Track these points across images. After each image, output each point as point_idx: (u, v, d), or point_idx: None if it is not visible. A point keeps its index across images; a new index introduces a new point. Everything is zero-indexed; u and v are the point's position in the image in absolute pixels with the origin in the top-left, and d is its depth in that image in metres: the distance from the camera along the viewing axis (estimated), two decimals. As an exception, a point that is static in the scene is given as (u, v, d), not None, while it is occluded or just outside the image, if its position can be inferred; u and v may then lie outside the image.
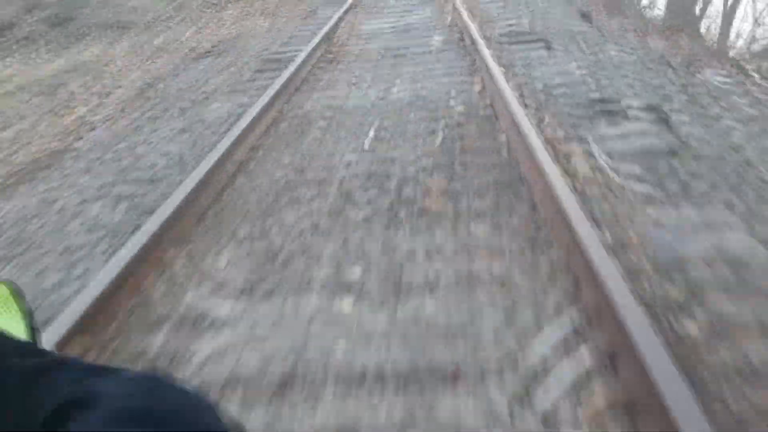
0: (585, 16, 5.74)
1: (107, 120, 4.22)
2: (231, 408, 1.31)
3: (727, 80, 3.73)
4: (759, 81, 3.96)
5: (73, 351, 1.46)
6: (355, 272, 1.80)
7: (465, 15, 5.32)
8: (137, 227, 2.13)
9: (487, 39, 4.45)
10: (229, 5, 9.19)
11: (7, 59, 7.24)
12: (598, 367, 1.35)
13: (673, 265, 1.65)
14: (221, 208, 2.36)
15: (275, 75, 4.18)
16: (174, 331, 1.63)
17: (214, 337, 1.59)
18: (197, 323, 1.65)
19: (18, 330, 0.47)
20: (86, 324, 1.58)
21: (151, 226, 2.09)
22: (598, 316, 1.51)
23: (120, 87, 5.26)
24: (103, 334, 1.62)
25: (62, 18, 8.01)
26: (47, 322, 1.52)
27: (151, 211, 2.22)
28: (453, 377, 1.36)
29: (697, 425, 1.09)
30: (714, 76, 3.78)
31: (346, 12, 6.64)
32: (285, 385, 1.39)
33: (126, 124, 3.99)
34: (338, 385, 1.36)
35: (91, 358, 1.50)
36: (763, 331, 1.39)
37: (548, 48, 4.19)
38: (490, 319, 1.53)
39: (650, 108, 2.83)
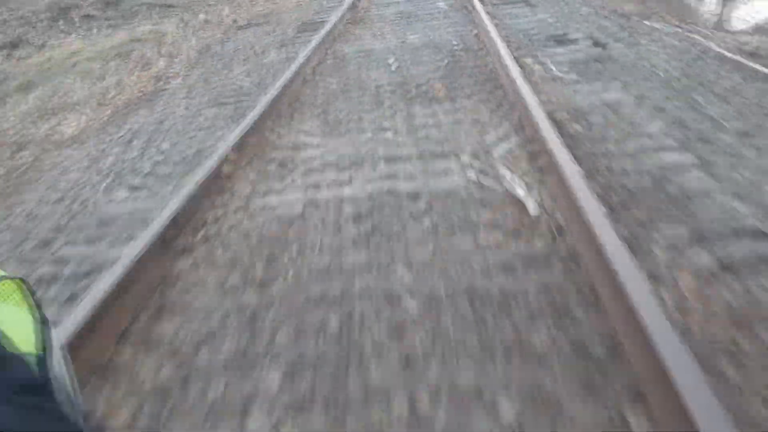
0: None
1: (183, 71, 5.44)
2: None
3: (670, 28, 4.84)
4: (698, 29, 5.07)
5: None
6: (390, 125, 3.00)
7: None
8: (246, 116, 3.34)
9: (483, 3, 5.59)
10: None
11: (72, 34, 8.49)
12: (522, 148, 2.53)
13: (578, 110, 2.82)
14: (300, 103, 3.57)
15: (314, 34, 5.35)
16: (289, 150, 2.84)
17: (308, 151, 2.80)
18: (298, 147, 2.86)
19: (27, 330, 0.46)
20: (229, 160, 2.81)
21: (257, 112, 3.29)
22: (528, 132, 2.68)
23: (182, 51, 6.47)
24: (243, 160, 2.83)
25: (112, 3, 9.26)
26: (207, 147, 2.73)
27: (253, 107, 3.41)
28: (442, 154, 2.55)
29: (568, 160, 2.26)
30: (660, 25, 4.89)
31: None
32: (353, 165, 2.59)
33: (201, 72, 5.20)
34: (386, 162, 2.56)
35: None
36: (624, 132, 2.55)
37: (530, 6, 5.34)
38: (468, 136, 2.71)
39: (593, 39, 3.99)
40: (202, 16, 8.44)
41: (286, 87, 3.73)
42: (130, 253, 1.94)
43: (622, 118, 2.68)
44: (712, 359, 1.33)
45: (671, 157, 2.28)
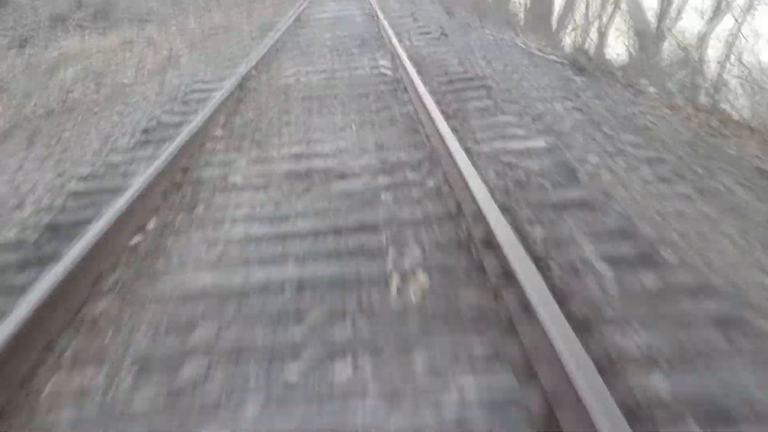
0: (447, 12, 10.23)
1: (185, 53, 8.20)
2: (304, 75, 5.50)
3: (496, 33, 8.16)
4: (518, 34, 8.44)
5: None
6: (329, 47, 6.02)
7: (375, 5, 9.68)
8: (242, 65, 6.19)
9: (386, 15, 8.77)
10: (213, 9, 13.30)
11: (70, 39, 10.97)
12: (393, 63, 5.58)
13: (421, 56, 5.92)
14: (280, 55, 6.52)
15: (273, 32, 8.29)
16: (275, 71, 5.79)
17: (285, 66, 5.76)
18: (283, 68, 5.82)
19: None
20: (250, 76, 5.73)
21: (250, 62, 6.17)
22: (396, 61, 5.74)
23: (174, 45, 9.19)
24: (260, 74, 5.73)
25: (101, 13, 11.80)
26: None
27: (246, 62, 6.27)
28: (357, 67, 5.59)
29: (411, 65, 5.30)
30: (490, 31, 8.20)
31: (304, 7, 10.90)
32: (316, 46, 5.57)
33: (199, 52, 8.00)
34: (324, 52, 5.57)
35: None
36: (437, 60, 5.65)
37: (414, 18, 8.59)
38: (369, 61, 5.77)
39: (441, 31, 7.21)
40: (174, 28, 11.21)
41: (268, 51, 6.65)
42: (219, 97, 4.80)
43: (439, 58, 5.80)
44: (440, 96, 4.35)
45: (453, 66, 5.38)
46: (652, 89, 4.84)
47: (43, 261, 2.27)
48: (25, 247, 2.51)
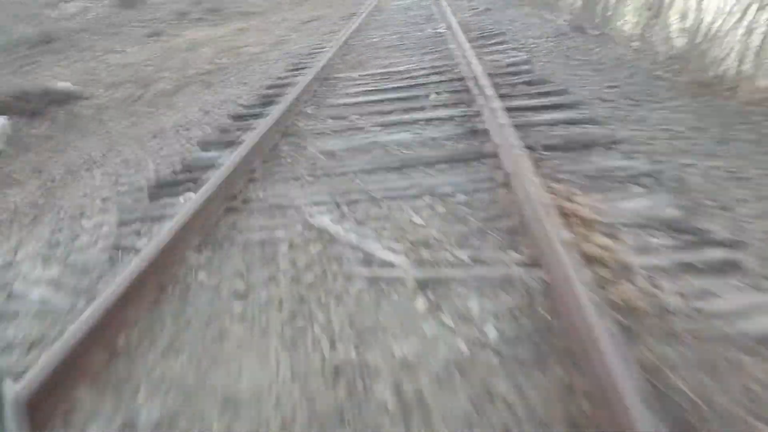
0: None
1: (293, 35, 11.06)
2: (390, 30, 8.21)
3: (530, 11, 10.59)
4: (548, 11, 10.85)
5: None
6: (403, 22, 8.69)
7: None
8: (341, 36, 8.93)
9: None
10: (303, 3, 16.29)
11: (192, 29, 14.15)
12: (448, 28, 8.18)
13: (469, 23, 8.48)
14: (366, 30, 9.24)
15: (357, 17, 11.02)
16: (365, 37, 8.52)
17: (372, 35, 8.47)
18: (370, 35, 8.53)
19: None
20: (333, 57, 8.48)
21: (346, 34, 8.91)
22: (449, 24, 8.33)
23: (281, 30, 12.10)
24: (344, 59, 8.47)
25: (214, 8, 14.96)
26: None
27: (343, 35, 9.01)
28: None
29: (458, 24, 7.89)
30: (527, 10, 10.65)
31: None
32: (392, 24, 8.25)
33: (303, 33, 10.84)
34: (402, 15, 8.24)
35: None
36: (480, 24, 8.20)
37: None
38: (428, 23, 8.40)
39: (486, 8, 9.74)
40: (275, 18, 14.19)
41: (357, 28, 9.37)
42: (331, 50, 7.53)
43: (480, 24, 8.33)
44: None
45: (487, 28, 7.90)
46: (616, 36, 7.18)
47: (272, 102, 5.03)
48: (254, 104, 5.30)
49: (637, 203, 2.49)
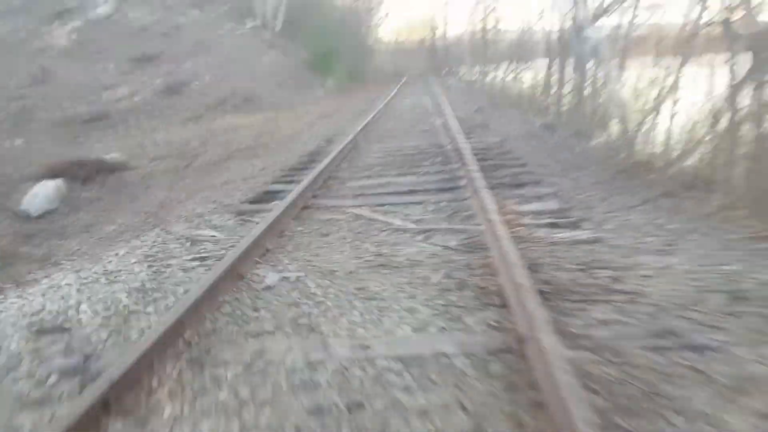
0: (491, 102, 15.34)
1: (318, 122, 13.47)
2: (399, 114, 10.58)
3: (512, 113, 13.10)
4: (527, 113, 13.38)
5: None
6: (409, 117, 11.07)
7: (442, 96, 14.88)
8: (360, 124, 11.29)
9: (449, 100, 13.89)
10: (321, 101, 19.03)
11: (228, 117, 16.66)
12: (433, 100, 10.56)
13: (463, 117, 10.88)
14: (379, 120, 11.62)
15: (371, 112, 13.49)
16: (380, 126, 10.89)
17: (385, 125, 10.84)
18: (384, 125, 10.90)
19: None
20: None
21: (363, 123, 11.28)
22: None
23: (306, 119, 14.56)
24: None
25: (247, 100, 17.60)
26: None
27: (361, 123, 11.38)
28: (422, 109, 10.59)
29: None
30: (511, 112, 13.16)
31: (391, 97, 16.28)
32: (400, 116, 10.60)
33: (327, 120, 13.26)
34: (408, 111, 10.60)
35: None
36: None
37: (465, 102, 13.71)
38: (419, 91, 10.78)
39: (478, 108, 12.21)
40: (299, 110, 16.77)
41: (390, 100, 11.76)
42: (354, 132, 9.85)
43: (471, 117, 10.69)
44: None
45: (477, 120, 10.25)
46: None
47: (314, 161, 7.17)
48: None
49: (536, 206, 4.53)
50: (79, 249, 6.49)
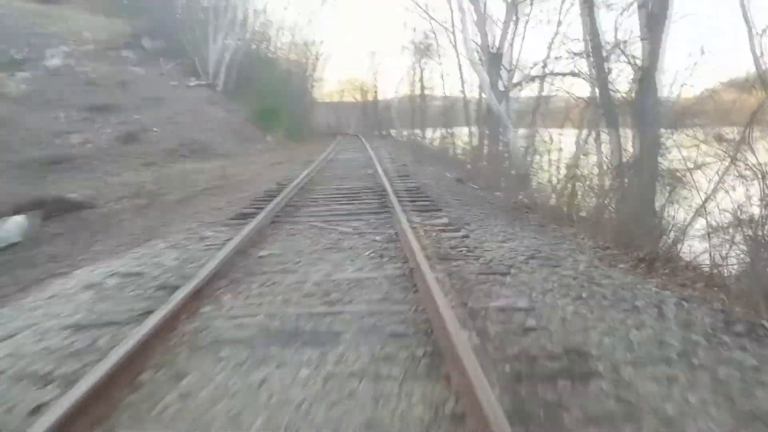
0: (415, 158, 17.95)
1: (266, 171, 15.59)
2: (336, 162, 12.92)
3: (435, 168, 15.70)
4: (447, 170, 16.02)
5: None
6: (347, 166, 13.45)
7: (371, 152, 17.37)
8: (305, 172, 13.55)
9: (376, 155, 16.36)
10: (266, 152, 21.21)
11: (180, 163, 18.53)
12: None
13: (389, 169, 13.31)
14: (322, 170, 13.93)
15: (315, 162, 15.79)
16: (321, 178, 13.21)
17: (328, 171, 13.17)
18: (327, 171, 13.23)
19: None
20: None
21: (309, 171, 13.57)
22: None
23: (254, 168, 16.64)
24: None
25: (197, 150, 19.57)
26: None
27: (310, 165, 13.65)
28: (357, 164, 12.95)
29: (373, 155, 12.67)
30: (433, 167, 15.76)
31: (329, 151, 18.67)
32: (338, 167, 12.95)
33: (274, 170, 15.42)
34: (345, 163, 12.96)
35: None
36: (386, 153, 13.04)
37: (392, 159, 16.22)
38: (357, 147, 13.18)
39: (402, 163, 14.74)
40: (248, 159, 18.87)
41: (324, 157, 14.04)
42: (302, 177, 12.13)
43: (396, 169, 13.14)
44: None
45: (401, 171, 12.69)
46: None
47: (271, 197, 9.36)
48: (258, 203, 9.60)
49: (433, 222, 6.88)
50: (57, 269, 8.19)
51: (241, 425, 2.42)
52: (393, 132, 42.05)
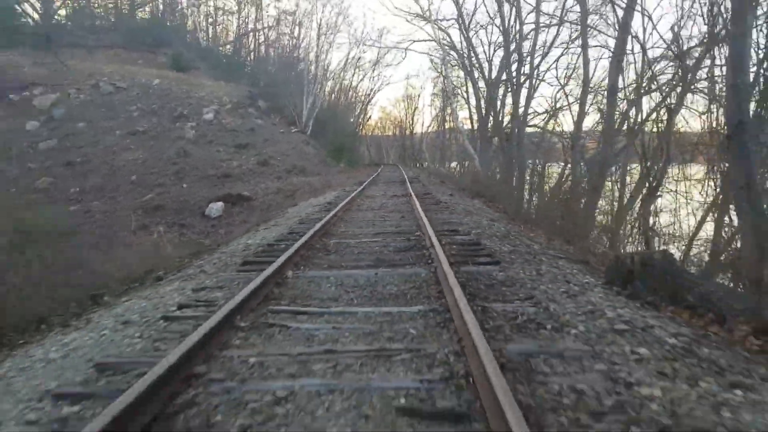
0: (440, 181, 23.21)
1: (351, 178, 21.13)
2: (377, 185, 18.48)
3: (458, 195, 21.00)
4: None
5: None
6: (386, 170, 18.93)
7: (404, 173, 22.75)
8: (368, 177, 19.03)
9: (408, 177, 21.70)
10: (341, 173, 26.85)
11: (295, 177, 24.26)
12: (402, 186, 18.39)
13: (419, 191, 18.70)
14: (383, 172, 19.44)
15: (372, 175, 21.25)
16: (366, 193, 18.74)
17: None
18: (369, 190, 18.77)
19: None
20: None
21: (370, 178, 19.07)
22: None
23: (340, 178, 22.17)
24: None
25: (301, 171, 25.28)
26: None
27: (370, 177, 19.14)
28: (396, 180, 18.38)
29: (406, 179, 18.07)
30: (459, 194, 21.08)
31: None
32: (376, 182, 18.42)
33: (354, 177, 20.97)
34: (384, 182, 18.42)
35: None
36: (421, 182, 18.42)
37: (423, 184, 21.57)
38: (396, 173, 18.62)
39: (425, 190, 20.08)
40: (332, 177, 24.49)
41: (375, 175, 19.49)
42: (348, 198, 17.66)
43: (425, 192, 18.48)
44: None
45: (429, 194, 18.02)
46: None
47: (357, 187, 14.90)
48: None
49: (444, 217, 12.26)
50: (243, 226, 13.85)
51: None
52: (425, 164, 46.44)
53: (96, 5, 38.18)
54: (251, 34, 45.27)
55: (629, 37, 13.97)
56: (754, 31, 7.86)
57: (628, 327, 3.37)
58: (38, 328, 4.43)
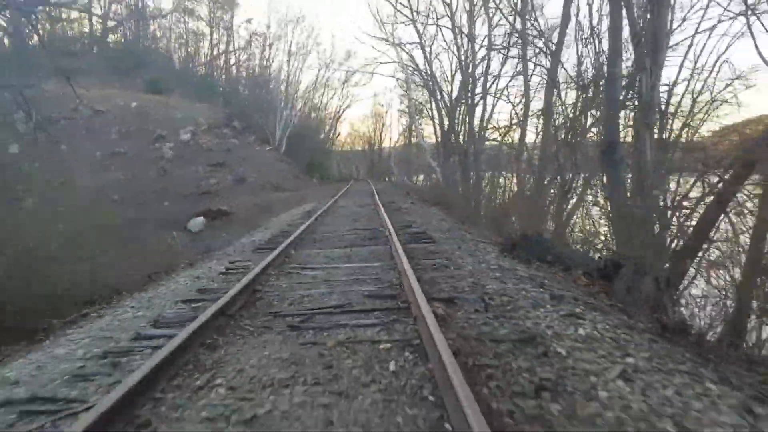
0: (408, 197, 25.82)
1: (324, 191, 23.48)
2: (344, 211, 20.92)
3: (424, 206, 23.61)
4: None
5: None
6: (357, 183, 21.41)
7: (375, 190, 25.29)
8: (339, 191, 21.44)
9: (378, 192, 24.24)
10: (315, 187, 29.18)
11: (270, 194, 26.43)
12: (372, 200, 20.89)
13: (386, 203, 21.23)
14: (353, 186, 21.89)
15: (344, 188, 23.69)
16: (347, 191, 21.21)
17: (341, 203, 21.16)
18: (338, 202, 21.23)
19: None
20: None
21: (340, 192, 21.54)
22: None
23: (314, 192, 24.49)
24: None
25: (276, 187, 27.47)
26: None
27: (339, 191, 21.57)
28: (366, 192, 20.86)
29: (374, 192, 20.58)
30: (421, 204, 23.67)
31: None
32: (354, 193, 20.89)
33: (327, 191, 23.34)
34: (355, 195, 20.92)
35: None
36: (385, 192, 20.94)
37: (391, 201, 24.14)
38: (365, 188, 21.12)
39: (395, 205, 22.63)
40: (305, 191, 26.79)
41: (338, 191, 21.94)
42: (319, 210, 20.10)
43: (391, 202, 20.98)
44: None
45: (395, 204, 20.55)
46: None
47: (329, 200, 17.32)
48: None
49: (404, 220, 14.80)
50: (225, 239, 16.05)
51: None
52: (393, 178, 48.95)
53: (70, 29, 39.72)
54: (223, 55, 47.48)
55: (559, 66, 17.06)
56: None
57: (500, 268, 5.89)
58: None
